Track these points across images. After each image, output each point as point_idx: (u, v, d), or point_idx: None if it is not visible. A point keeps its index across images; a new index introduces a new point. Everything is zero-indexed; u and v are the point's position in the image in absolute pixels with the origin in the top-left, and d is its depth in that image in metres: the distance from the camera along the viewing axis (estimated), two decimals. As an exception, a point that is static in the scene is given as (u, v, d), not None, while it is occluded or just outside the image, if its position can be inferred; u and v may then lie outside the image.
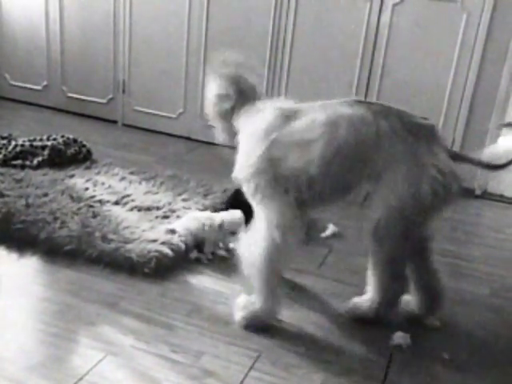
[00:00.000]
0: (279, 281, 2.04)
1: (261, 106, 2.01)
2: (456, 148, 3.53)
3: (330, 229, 2.82)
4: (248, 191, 2.01)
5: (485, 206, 3.53)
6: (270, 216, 1.94)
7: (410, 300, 2.16)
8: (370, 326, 2.08)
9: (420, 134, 1.84)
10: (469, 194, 3.59)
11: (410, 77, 3.54)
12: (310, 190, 1.91)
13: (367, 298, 2.10)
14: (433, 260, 2.12)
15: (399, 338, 2.01)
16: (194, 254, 2.45)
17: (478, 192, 3.63)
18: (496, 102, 3.44)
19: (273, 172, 1.91)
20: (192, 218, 2.51)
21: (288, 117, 1.92)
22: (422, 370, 1.89)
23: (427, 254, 2.10)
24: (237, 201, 2.83)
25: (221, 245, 2.53)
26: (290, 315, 2.09)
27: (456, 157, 1.90)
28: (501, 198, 3.64)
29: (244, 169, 1.97)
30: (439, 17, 3.41)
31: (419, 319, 2.13)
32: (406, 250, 1.96)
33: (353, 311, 2.11)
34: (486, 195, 3.64)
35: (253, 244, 1.98)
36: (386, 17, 3.50)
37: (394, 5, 3.46)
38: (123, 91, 4.29)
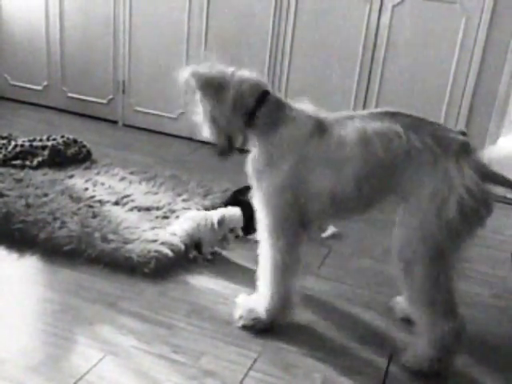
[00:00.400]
0: (289, 286, 1.98)
1: (288, 112, 1.88)
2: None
3: (330, 229, 2.82)
4: (264, 208, 1.92)
5: (485, 206, 3.53)
6: (274, 238, 1.92)
7: (401, 301, 2.16)
8: (368, 324, 2.09)
9: (451, 150, 1.72)
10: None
11: (410, 77, 3.54)
12: (331, 208, 1.85)
13: (418, 345, 1.90)
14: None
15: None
16: (191, 254, 2.45)
17: (478, 193, 3.62)
18: (496, 102, 3.44)
19: (295, 190, 1.85)
20: (188, 218, 2.51)
21: (317, 130, 1.83)
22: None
23: None
24: (237, 201, 2.84)
25: (225, 243, 2.53)
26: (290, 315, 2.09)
27: (488, 177, 1.74)
28: (503, 199, 3.63)
29: (269, 182, 1.87)
30: (439, 18, 3.41)
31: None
32: (441, 280, 1.78)
33: (406, 364, 1.90)
34: (486, 196, 3.64)
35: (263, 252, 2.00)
36: (385, 18, 3.50)
37: (394, 6, 3.46)
38: (123, 91, 4.29)
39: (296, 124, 1.85)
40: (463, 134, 1.83)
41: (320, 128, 1.83)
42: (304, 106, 1.91)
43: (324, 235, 2.79)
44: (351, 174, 1.78)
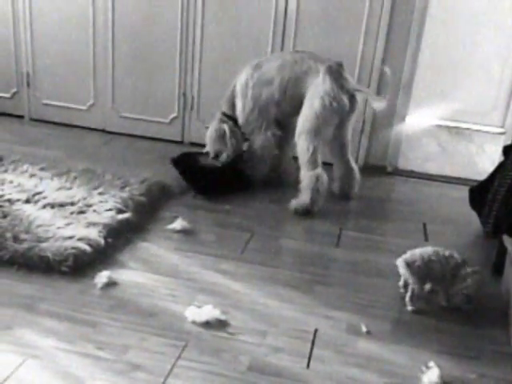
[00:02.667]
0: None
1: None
2: (368, 125, 3.69)
3: (178, 223, 2.68)
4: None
5: (396, 181, 3.69)
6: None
7: (333, 185, 3.24)
8: (293, 304, 2.14)
9: (323, 68, 2.90)
10: (381, 171, 3.73)
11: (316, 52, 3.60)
12: (277, 108, 3.13)
13: (300, 197, 3.00)
14: (349, 159, 3.19)
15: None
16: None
17: (389, 169, 3.78)
18: (401, 82, 3.59)
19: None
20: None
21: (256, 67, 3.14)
22: (345, 342, 1.95)
23: (345, 155, 3.17)
24: (183, 162, 3.20)
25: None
26: (215, 301, 2.10)
27: (344, 87, 2.90)
28: (411, 174, 3.81)
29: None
30: (344, 1, 3.50)
31: (343, 196, 3.21)
32: (310, 147, 2.92)
33: (291, 208, 2.99)
34: (398, 172, 3.81)
35: None
36: (292, 3, 3.54)
37: (301, -11, 3.51)
38: (28, 84, 4.09)
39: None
40: (339, 64, 2.92)
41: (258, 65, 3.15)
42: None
43: (170, 227, 2.67)
44: (277, 85, 3.06)
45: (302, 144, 2.96)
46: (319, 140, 2.94)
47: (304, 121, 2.93)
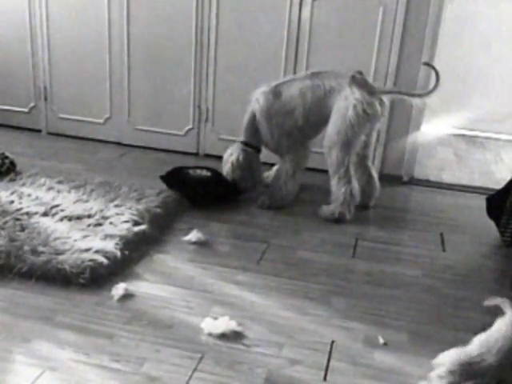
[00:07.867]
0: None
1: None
2: (383, 134, 3.66)
3: (194, 235, 2.68)
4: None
5: (412, 191, 3.66)
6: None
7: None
8: (310, 315, 2.13)
9: (345, 81, 2.93)
10: (396, 180, 3.71)
11: (334, 68, 3.59)
12: (300, 134, 3.12)
13: (330, 205, 3.05)
14: (371, 168, 3.20)
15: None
16: None
17: (405, 178, 3.76)
18: (416, 91, 3.57)
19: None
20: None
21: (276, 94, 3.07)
22: (362, 354, 1.94)
23: (367, 164, 3.18)
24: (175, 178, 3.17)
25: None
26: (231, 312, 2.09)
27: (372, 91, 2.93)
28: (427, 183, 3.78)
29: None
30: (357, 10, 3.50)
31: (361, 206, 3.17)
32: (345, 160, 2.95)
33: (321, 215, 3.05)
34: (413, 181, 3.78)
35: None
36: (306, 12, 3.56)
37: (314, 0, 3.52)
38: (45, 98, 4.15)
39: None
40: (360, 72, 2.98)
41: (276, 94, 3.08)
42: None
43: (186, 238, 2.67)
44: (300, 113, 3.04)
45: (335, 156, 2.96)
46: (353, 151, 2.97)
47: (336, 133, 2.92)
